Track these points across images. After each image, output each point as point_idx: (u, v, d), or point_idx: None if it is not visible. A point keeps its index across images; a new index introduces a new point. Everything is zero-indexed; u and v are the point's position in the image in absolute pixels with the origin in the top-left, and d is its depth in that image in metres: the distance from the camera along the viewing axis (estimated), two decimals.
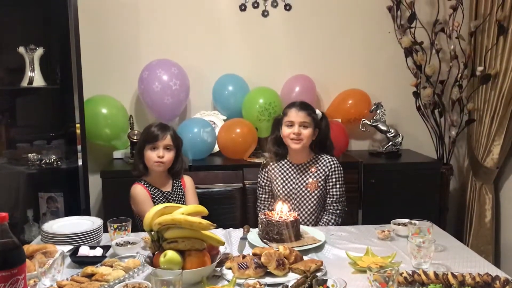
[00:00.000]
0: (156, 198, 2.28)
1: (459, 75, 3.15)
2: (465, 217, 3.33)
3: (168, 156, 2.26)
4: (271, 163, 2.43)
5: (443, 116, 3.25)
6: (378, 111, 3.23)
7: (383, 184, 2.99)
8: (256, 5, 3.24)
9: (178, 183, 2.38)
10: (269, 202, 2.44)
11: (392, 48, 3.29)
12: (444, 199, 3.18)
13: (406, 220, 1.99)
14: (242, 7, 3.24)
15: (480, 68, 3.06)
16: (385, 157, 3.22)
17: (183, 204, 2.25)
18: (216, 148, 3.12)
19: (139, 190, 2.27)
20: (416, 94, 3.23)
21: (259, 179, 2.47)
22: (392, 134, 3.23)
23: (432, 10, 3.26)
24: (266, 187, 2.44)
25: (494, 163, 3.12)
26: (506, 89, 2.97)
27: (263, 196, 2.45)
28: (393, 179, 3.02)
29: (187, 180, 2.41)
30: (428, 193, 3.04)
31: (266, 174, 2.44)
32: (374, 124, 3.24)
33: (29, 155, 2.79)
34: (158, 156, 2.23)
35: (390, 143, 3.24)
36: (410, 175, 3.04)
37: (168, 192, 2.32)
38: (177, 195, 2.34)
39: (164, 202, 2.21)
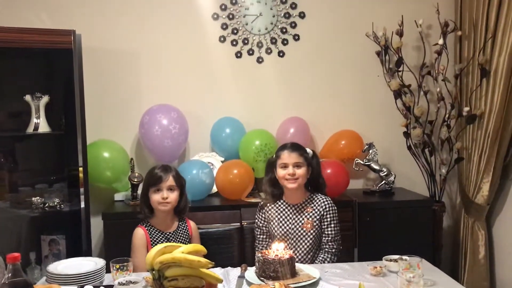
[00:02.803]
0: (157, 240, 2.34)
1: (447, 115, 3.27)
2: (459, 254, 3.38)
3: (172, 196, 2.35)
4: (268, 205, 2.51)
5: (433, 155, 3.35)
6: (370, 151, 3.33)
7: (377, 222, 3.06)
8: (251, 52, 3.41)
9: (184, 225, 2.45)
10: (267, 242, 2.50)
11: (381, 91, 3.43)
12: (437, 236, 3.24)
13: (397, 256, 2.06)
14: (238, 54, 3.41)
15: (466, 109, 3.19)
16: (379, 196, 3.29)
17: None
18: (214, 189, 3.19)
19: (138, 235, 2.34)
20: (407, 134, 3.34)
21: (256, 220, 2.55)
22: (385, 173, 3.32)
23: (419, 55, 3.43)
24: (264, 228, 2.51)
25: (485, 200, 3.20)
26: (491, 129, 3.09)
27: (261, 236, 2.52)
28: (387, 217, 3.08)
29: (193, 226, 2.49)
30: (422, 230, 3.10)
31: (263, 215, 2.52)
32: (367, 163, 3.33)
33: (33, 198, 2.85)
34: (163, 197, 2.32)
35: (383, 181, 3.33)
36: (403, 213, 3.10)
37: (170, 232, 2.39)
38: (181, 237, 2.41)
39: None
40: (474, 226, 3.27)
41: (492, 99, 3.09)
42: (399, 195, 3.31)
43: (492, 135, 3.10)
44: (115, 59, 3.30)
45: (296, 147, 2.44)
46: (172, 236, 2.39)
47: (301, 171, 2.39)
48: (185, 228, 2.45)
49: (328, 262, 2.37)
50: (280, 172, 2.42)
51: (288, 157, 2.40)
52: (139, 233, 2.34)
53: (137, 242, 2.33)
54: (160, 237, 2.36)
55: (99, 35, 3.25)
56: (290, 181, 2.39)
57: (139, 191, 2.79)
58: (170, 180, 2.35)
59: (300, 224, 2.42)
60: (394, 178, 3.33)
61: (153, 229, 2.37)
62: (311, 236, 2.40)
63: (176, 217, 2.45)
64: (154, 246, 2.24)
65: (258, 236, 2.53)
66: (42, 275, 2.59)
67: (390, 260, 2.07)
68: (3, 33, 2.64)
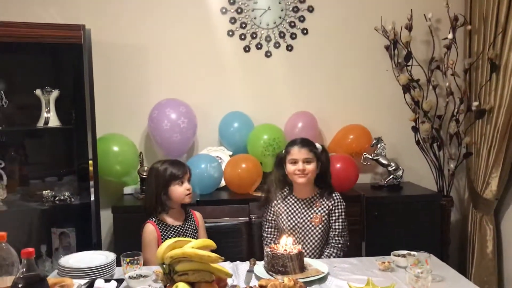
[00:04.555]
0: (167, 234, 2.36)
1: (456, 110, 3.27)
2: (467, 248, 3.38)
3: (191, 187, 2.42)
4: (277, 199, 2.52)
5: (441, 149, 3.35)
6: (378, 146, 3.33)
7: (385, 217, 3.06)
8: (259, 46, 3.41)
9: (191, 217, 2.49)
10: (274, 236, 2.52)
11: (390, 85, 3.42)
12: (445, 231, 3.24)
13: (406, 252, 2.07)
14: (246, 49, 3.41)
15: (475, 103, 3.18)
16: (387, 190, 3.29)
17: (195, 238, 2.36)
18: (223, 183, 3.21)
19: (149, 231, 2.36)
20: (415, 129, 3.34)
21: (264, 213, 2.56)
22: (393, 168, 3.32)
23: (428, 49, 3.41)
24: (272, 221, 2.53)
25: (493, 195, 3.19)
26: (501, 124, 3.08)
27: (269, 229, 2.54)
28: (395, 212, 3.08)
29: (199, 216, 2.53)
30: (430, 224, 3.10)
31: (272, 209, 2.54)
32: (375, 158, 3.33)
33: (43, 192, 2.88)
34: (187, 189, 2.38)
35: (391, 176, 3.33)
36: (411, 208, 3.10)
37: (180, 225, 2.42)
38: (190, 229, 2.44)
39: (175, 237, 2.30)
40: (482, 221, 3.27)
41: (501, 93, 3.08)
42: (407, 190, 3.31)
43: (501, 130, 3.09)
44: (124, 54, 3.31)
45: (306, 143, 2.45)
46: (182, 228, 2.42)
47: (310, 167, 2.41)
48: (192, 219, 2.49)
49: (334, 257, 2.38)
50: (290, 168, 2.43)
51: (298, 152, 2.41)
52: (150, 228, 2.36)
53: (148, 237, 2.35)
54: (170, 231, 2.38)
55: (108, 30, 3.26)
56: (300, 176, 2.41)
57: None
58: (188, 172, 2.43)
59: (308, 218, 2.43)
60: (402, 172, 3.32)
61: (163, 224, 2.39)
62: (319, 231, 2.42)
63: (183, 210, 2.48)
64: (164, 240, 2.28)
65: (266, 229, 2.54)
66: (53, 268, 2.63)
67: (399, 256, 2.08)
68: (13, 28, 2.65)
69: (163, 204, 2.37)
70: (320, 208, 2.44)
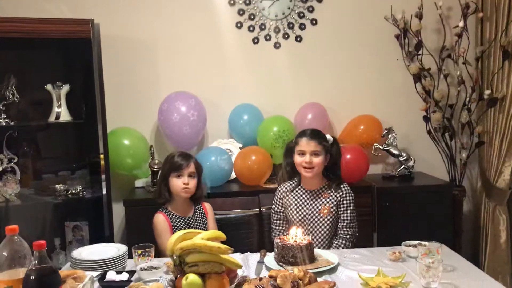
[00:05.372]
0: (177, 225, 2.39)
1: (467, 99, 3.23)
2: (480, 238, 3.36)
3: (193, 183, 2.40)
4: (285, 190, 2.52)
5: (453, 139, 3.32)
6: (389, 136, 3.30)
7: (397, 207, 3.05)
8: (268, 38, 3.40)
9: (200, 209, 2.50)
10: (283, 227, 2.52)
11: (401, 75, 3.39)
12: (458, 221, 3.22)
13: (417, 242, 2.06)
14: (255, 40, 3.39)
15: (487, 92, 3.14)
16: (398, 181, 3.28)
17: (204, 229, 2.38)
18: (233, 175, 3.22)
19: (160, 220, 2.39)
20: (426, 119, 3.31)
21: (273, 205, 2.57)
22: (404, 158, 3.30)
23: (439, 37, 3.37)
24: (281, 213, 2.53)
25: (506, 184, 3.17)
26: None
27: (278, 221, 2.54)
28: (406, 202, 3.07)
29: (209, 208, 2.54)
30: (442, 215, 3.08)
31: (280, 201, 2.54)
32: (386, 148, 3.31)
33: (56, 186, 2.92)
34: (184, 183, 2.37)
35: (403, 166, 3.31)
36: (423, 198, 3.08)
37: (189, 217, 2.44)
38: (199, 220, 2.46)
39: (185, 228, 2.32)
40: (495, 210, 3.24)
41: None
42: (418, 180, 3.28)
43: None
44: (134, 47, 3.31)
45: (315, 135, 2.43)
46: (191, 220, 2.44)
47: (318, 160, 2.39)
48: (201, 211, 2.51)
49: (343, 248, 2.37)
50: (298, 159, 2.42)
51: (306, 144, 2.40)
52: (160, 218, 2.39)
53: (160, 226, 2.38)
54: (180, 222, 2.41)
55: (117, 24, 3.26)
56: (306, 169, 2.40)
57: None
58: (192, 167, 2.41)
59: (317, 209, 2.43)
60: (414, 162, 3.31)
61: (173, 215, 2.41)
62: (328, 222, 2.41)
63: (192, 202, 2.50)
64: (175, 230, 2.31)
65: (275, 221, 2.55)
66: (67, 260, 2.67)
67: (409, 246, 2.07)
68: (23, 23, 2.68)
69: (163, 192, 2.41)
70: (328, 199, 2.44)
